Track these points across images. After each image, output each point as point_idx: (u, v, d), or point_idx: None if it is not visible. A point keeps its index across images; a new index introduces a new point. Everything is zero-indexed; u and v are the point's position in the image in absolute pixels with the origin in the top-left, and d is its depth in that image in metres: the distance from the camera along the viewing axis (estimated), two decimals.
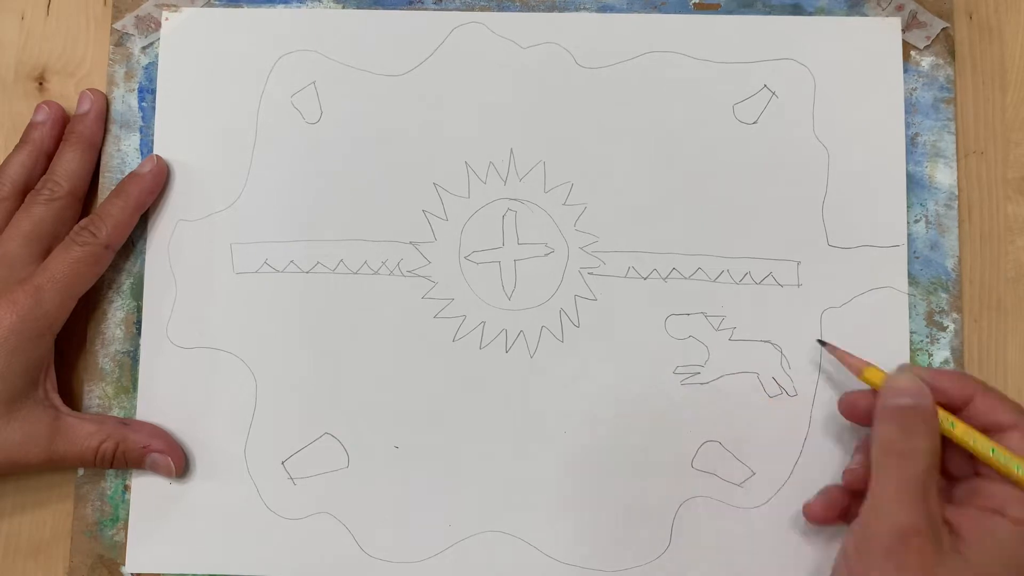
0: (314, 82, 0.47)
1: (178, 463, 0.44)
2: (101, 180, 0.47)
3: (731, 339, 0.45)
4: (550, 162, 0.47)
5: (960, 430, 0.38)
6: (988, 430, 0.38)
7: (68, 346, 0.46)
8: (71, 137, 0.46)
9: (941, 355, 0.45)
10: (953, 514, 0.37)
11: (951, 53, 0.47)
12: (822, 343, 0.44)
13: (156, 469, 0.44)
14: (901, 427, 0.38)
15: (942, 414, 0.39)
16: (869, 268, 0.45)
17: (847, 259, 0.46)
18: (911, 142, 0.47)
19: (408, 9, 0.48)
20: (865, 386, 0.42)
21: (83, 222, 0.44)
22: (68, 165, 0.45)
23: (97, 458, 0.43)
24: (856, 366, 0.42)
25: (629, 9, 0.47)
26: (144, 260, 0.46)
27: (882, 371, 0.41)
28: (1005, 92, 0.47)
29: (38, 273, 0.43)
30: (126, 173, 0.47)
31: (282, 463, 0.45)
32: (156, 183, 0.46)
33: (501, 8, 0.48)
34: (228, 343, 0.46)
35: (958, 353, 0.45)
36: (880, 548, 0.36)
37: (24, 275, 0.43)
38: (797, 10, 0.47)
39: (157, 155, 0.46)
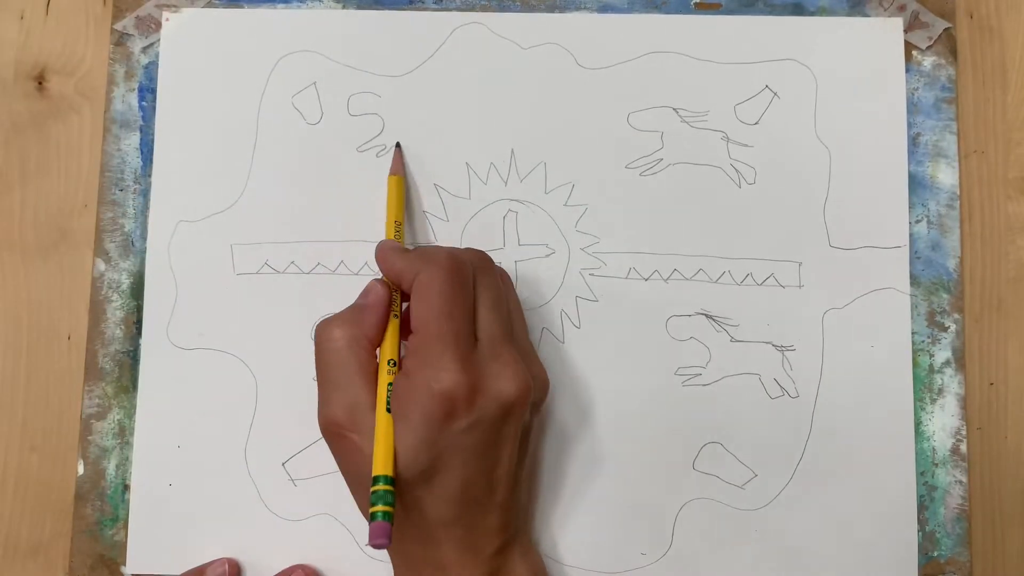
0: (315, 83, 0.47)
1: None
2: (101, 180, 0.47)
3: (732, 340, 0.45)
4: (551, 163, 0.47)
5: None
6: None
7: (68, 346, 0.46)
8: None
9: (943, 355, 0.45)
10: None
11: (953, 53, 0.47)
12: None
13: None
14: None
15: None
16: (871, 269, 0.45)
17: (849, 260, 0.46)
18: (913, 142, 0.47)
19: (409, 9, 0.48)
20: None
21: None
22: None
23: None
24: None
25: (630, 9, 0.47)
26: (144, 260, 0.46)
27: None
28: (1006, 92, 0.47)
29: None
30: (126, 173, 0.47)
31: (282, 464, 0.45)
32: None
33: (502, 8, 0.47)
34: (229, 344, 0.46)
35: (959, 353, 0.45)
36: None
37: None
38: (799, 10, 0.47)
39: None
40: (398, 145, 0.47)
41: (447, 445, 0.37)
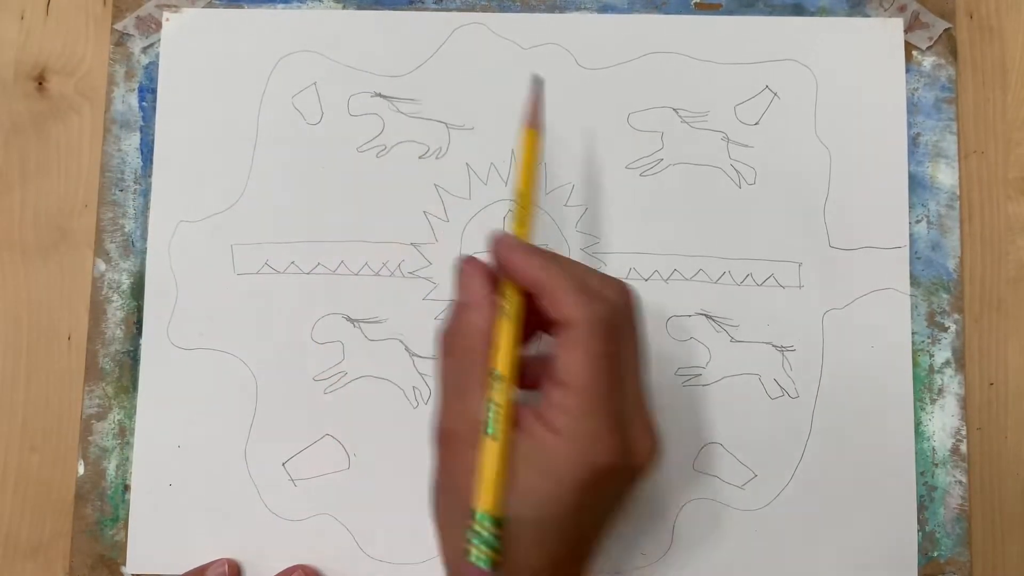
0: (315, 83, 0.47)
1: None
2: (101, 180, 0.47)
3: (732, 340, 0.45)
4: (551, 163, 0.47)
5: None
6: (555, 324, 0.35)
7: (68, 346, 0.46)
8: None
9: (942, 355, 0.45)
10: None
11: (953, 53, 0.47)
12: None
13: None
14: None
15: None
16: (871, 270, 0.45)
17: (849, 260, 0.46)
18: (913, 142, 0.47)
19: (409, 9, 0.48)
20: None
21: None
22: None
23: None
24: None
25: (630, 10, 0.47)
26: (144, 260, 0.46)
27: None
28: (1006, 92, 0.47)
29: None
30: (126, 173, 0.47)
31: (283, 464, 0.45)
32: None
33: (502, 9, 0.47)
34: (229, 344, 0.46)
35: (959, 353, 0.45)
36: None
37: None
38: (799, 10, 0.47)
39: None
40: (538, 80, 0.38)
41: (577, 507, 0.33)
